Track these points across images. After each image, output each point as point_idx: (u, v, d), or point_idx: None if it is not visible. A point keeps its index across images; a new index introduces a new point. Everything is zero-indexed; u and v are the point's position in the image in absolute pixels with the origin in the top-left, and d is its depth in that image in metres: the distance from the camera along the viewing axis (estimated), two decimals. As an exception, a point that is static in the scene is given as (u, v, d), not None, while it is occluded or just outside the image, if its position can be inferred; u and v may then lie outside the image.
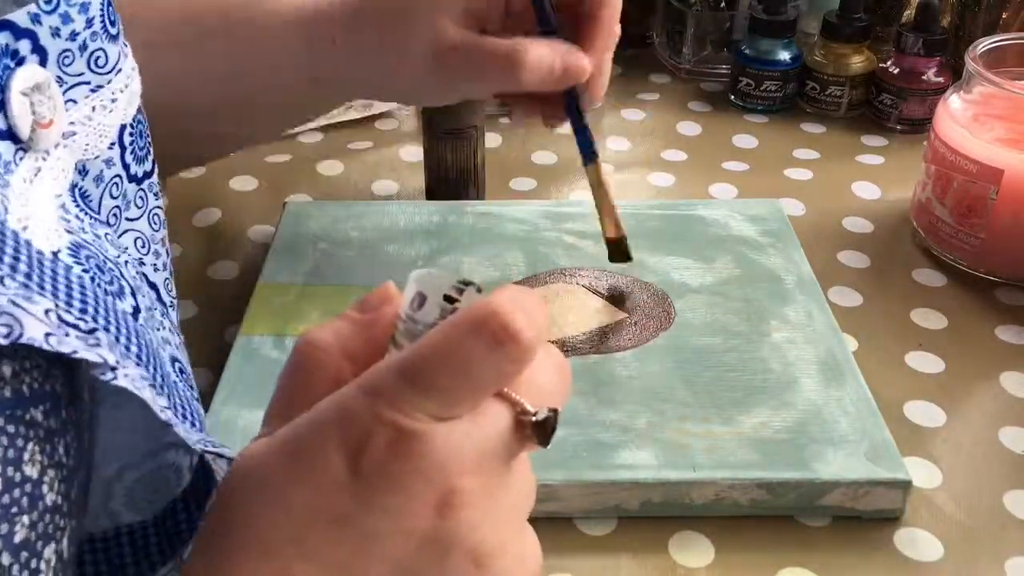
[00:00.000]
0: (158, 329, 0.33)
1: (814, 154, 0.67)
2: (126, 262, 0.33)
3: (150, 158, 0.37)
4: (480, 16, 0.43)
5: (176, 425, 0.26)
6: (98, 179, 0.33)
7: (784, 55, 0.71)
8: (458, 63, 0.42)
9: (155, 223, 0.37)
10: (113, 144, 0.34)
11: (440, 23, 0.42)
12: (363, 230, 0.53)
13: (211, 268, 0.54)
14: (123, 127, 0.34)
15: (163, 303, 0.36)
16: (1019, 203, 0.51)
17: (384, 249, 0.52)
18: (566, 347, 0.45)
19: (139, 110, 0.36)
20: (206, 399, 0.42)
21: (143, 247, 0.36)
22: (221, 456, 0.28)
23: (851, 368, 0.44)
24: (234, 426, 0.40)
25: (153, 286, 0.37)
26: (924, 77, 0.68)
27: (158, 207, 0.38)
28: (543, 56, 0.41)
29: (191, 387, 0.33)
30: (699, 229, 0.54)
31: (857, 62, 0.70)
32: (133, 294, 0.30)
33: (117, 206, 0.35)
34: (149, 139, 0.37)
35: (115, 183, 0.34)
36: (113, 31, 0.31)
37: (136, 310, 0.30)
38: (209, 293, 0.52)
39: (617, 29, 0.44)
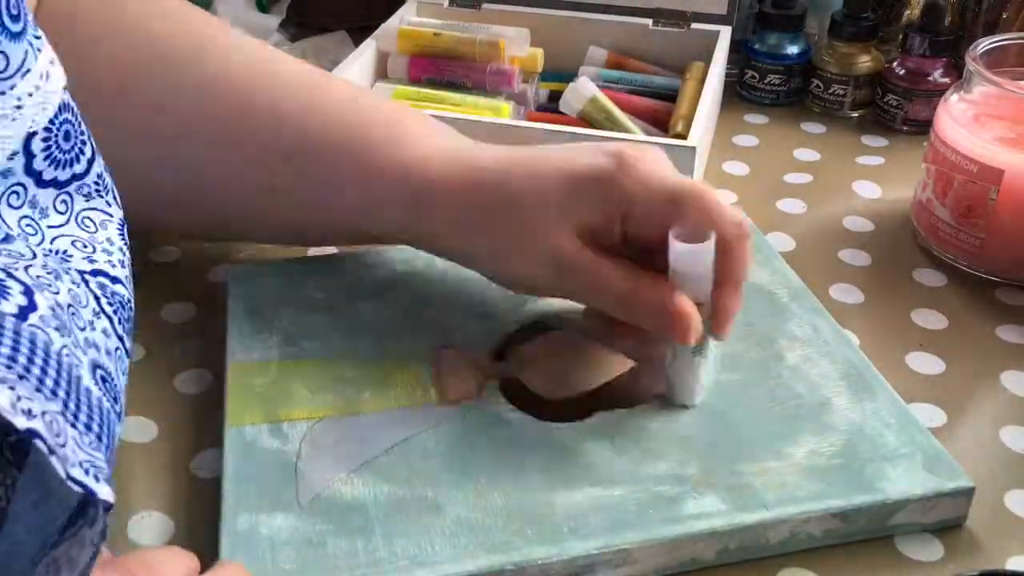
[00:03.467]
0: (82, 328, 0.30)
1: (815, 155, 0.67)
2: (31, 265, 0.30)
3: (84, 158, 0.33)
4: (598, 233, 0.40)
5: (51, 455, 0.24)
6: None
7: (792, 49, 0.71)
8: (569, 280, 0.41)
9: (87, 226, 0.34)
10: (14, 154, 0.30)
11: (555, 238, 0.40)
12: (326, 290, 0.48)
13: (211, 272, 0.54)
14: (31, 135, 0.30)
15: (131, 298, 0.35)
16: (1019, 203, 0.51)
17: (358, 309, 0.47)
18: (585, 403, 0.42)
19: (66, 107, 0.32)
20: (211, 495, 0.39)
21: (86, 248, 0.34)
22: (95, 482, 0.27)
23: (875, 377, 0.43)
24: (258, 536, 0.36)
25: (118, 280, 0.34)
26: (930, 78, 0.67)
27: (90, 209, 0.34)
28: (657, 306, 0.39)
29: (116, 398, 0.31)
30: None
31: (863, 62, 0.70)
32: (26, 293, 0.28)
33: (27, 216, 0.31)
34: (84, 136, 0.33)
35: (14, 192, 0.31)
36: (16, 27, 0.27)
37: (25, 309, 0.27)
38: (208, 295, 0.52)
39: (746, 271, 0.40)
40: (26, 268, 0.28)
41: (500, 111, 0.62)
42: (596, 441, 0.40)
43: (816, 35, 0.75)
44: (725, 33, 0.69)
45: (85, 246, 0.34)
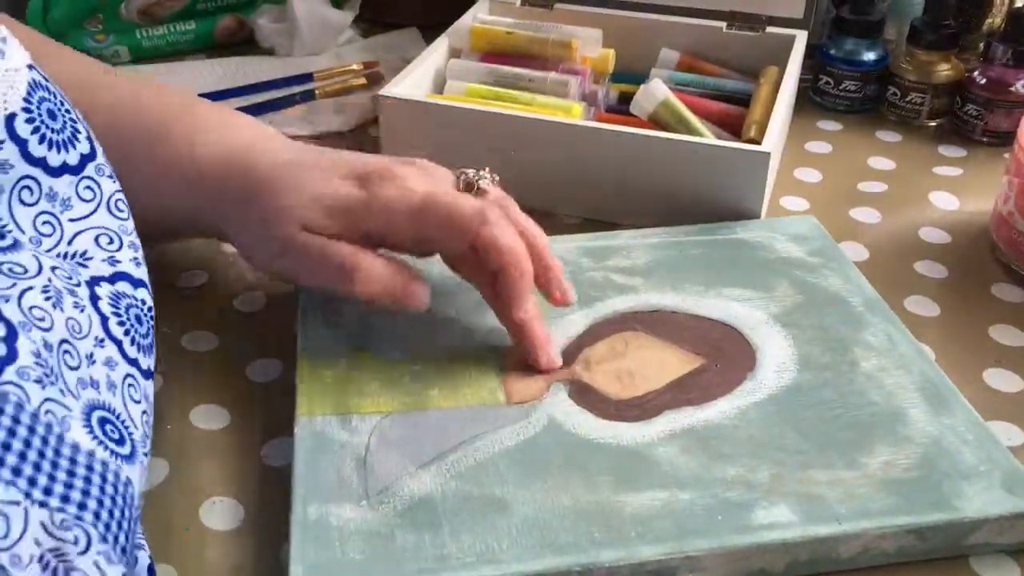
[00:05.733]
0: (75, 367, 0.28)
1: (890, 163, 0.65)
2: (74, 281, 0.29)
3: (82, 136, 0.32)
4: (334, 233, 0.43)
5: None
6: None
7: (869, 55, 0.70)
8: (294, 260, 0.43)
9: (120, 210, 0.33)
10: (1, 143, 0.29)
11: (285, 222, 0.42)
12: None
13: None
14: (11, 116, 0.29)
15: (152, 301, 0.33)
16: (1108, 219, 0.50)
17: (429, 305, 0.46)
18: (653, 403, 0.42)
19: (38, 85, 0.30)
20: (281, 483, 0.42)
21: (111, 243, 0.32)
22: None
23: (952, 392, 0.42)
24: (327, 525, 0.36)
25: (141, 283, 0.33)
26: (1012, 88, 0.66)
27: (119, 191, 0.33)
28: (384, 269, 0.42)
29: (121, 439, 0.29)
30: (746, 254, 0.52)
31: (943, 70, 0.68)
32: (8, 338, 0.26)
33: (45, 211, 0.30)
34: (71, 114, 0.32)
35: (26, 187, 0.30)
36: None
37: (2, 361, 0.25)
38: (280, 286, 0.53)
39: (527, 280, 0.43)
40: (21, 295, 0.27)
41: (571, 111, 0.61)
42: (664, 443, 0.40)
43: (894, 42, 0.73)
44: (801, 37, 0.68)
45: (111, 241, 0.32)
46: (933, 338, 0.49)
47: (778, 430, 0.41)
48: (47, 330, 0.27)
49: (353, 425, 0.41)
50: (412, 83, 0.63)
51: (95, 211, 0.32)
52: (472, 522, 0.37)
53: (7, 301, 0.27)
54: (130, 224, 0.34)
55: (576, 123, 0.58)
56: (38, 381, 0.26)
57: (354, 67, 0.76)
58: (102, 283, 0.32)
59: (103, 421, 0.28)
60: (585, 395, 0.43)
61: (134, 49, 0.78)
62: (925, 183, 0.63)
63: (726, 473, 0.39)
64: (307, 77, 0.74)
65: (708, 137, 0.59)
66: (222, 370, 0.47)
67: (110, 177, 0.33)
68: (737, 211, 0.56)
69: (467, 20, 0.70)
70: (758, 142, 0.56)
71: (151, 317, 0.34)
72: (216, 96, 0.71)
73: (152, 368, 0.33)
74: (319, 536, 0.36)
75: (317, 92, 0.72)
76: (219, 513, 0.39)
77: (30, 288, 0.28)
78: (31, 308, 0.27)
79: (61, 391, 0.27)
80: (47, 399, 0.26)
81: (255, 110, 0.69)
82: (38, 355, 0.26)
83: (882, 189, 0.62)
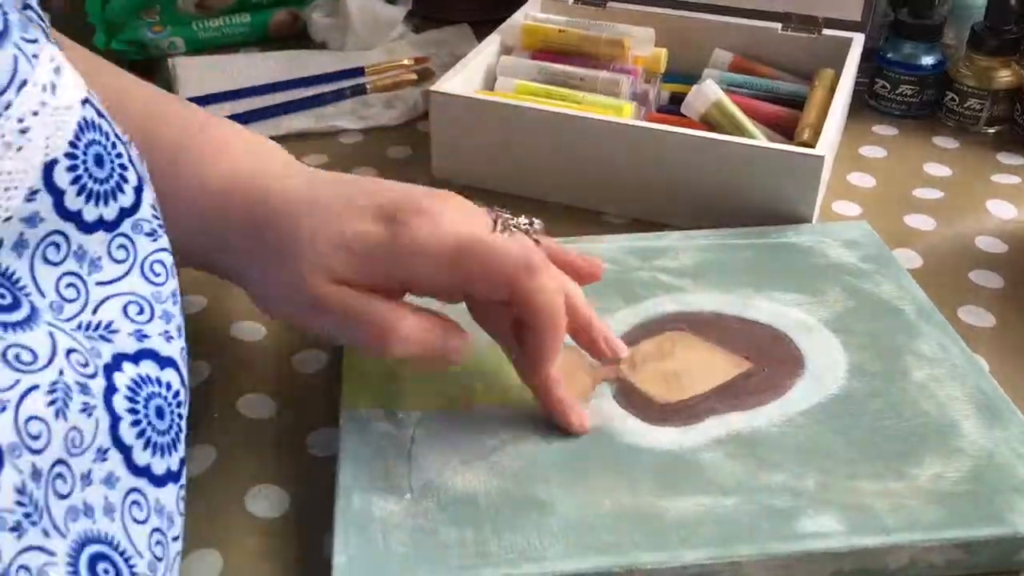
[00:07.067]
0: (65, 495, 0.25)
1: (946, 170, 0.64)
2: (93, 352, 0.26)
3: (128, 186, 0.28)
4: (366, 285, 0.38)
5: None
6: (18, 246, 0.25)
7: (926, 60, 0.69)
8: (325, 316, 0.38)
9: (156, 274, 0.29)
10: (35, 193, 0.25)
11: (314, 278, 0.37)
12: None
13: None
14: (52, 163, 0.25)
15: (182, 384, 0.30)
16: None
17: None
18: (698, 407, 0.42)
19: (90, 125, 0.27)
20: (326, 472, 0.41)
21: (141, 313, 0.29)
22: None
23: (1007, 404, 0.41)
24: (371, 516, 0.36)
25: (169, 362, 0.29)
26: (1073, 95, 0.64)
27: (160, 251, 0.29)
28: (421, 330, 0.38)
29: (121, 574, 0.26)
30: (797, 259, 0.51)
31: (1003, 76, 0.67)
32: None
33: (71, 272, 0.27)
34: (122, 159, 0.28)
35: (53, 244, 0.26)
36: None
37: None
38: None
39: (557, 346, 0.39)
40: (21, 400, 0.23)
41: (622, 111, 0.61)
42: (709, 449, 0.40)
43: (954, 46, 0.72)
44: (858, 40, 0.67)
45: (141, 311, 0.29)
46: (987, 349, 0.48)
47: (826, 438, 0.40)
48: (39, 452, 0.24)
49: (399, 418, 0.41)
50: (463, 79, 0.63)
51: (127, 274, 0.29)
52: (514, 520, 0.37)
53: (4, 411, 0.23)
54: (166, 290, 0.30)
55: (627, 123, 0.57)
56: (14, 528, 0.23)
57: (405, 62, 0.76)
58: (125, 363, 0.28)
59: (96, 559, 0.25)
60: (630, 397, 0.43)
61: (190, 41, 0.79)
62: (982, 191, 0.62)
63: (772, 480, 0.38)
64: (358, 71, 0.74)
65: (760, 139, 0.58)
66: (269, 360, 0.47)
67: (149, 235, 0.30)
68: (788, 215, 0.55)
69: (519, 17, 0.70)
70: (812, 145, 0.55)
71: (178, 403, 0.30)
72: (268, 88, 0.72)
73: (174, 468, 0.29)
74: (362, 527, 0.36)
75: (368, 86, 0.72)
76: (264, 501, 0.40)
77: (35, 387, 0.24)
78: (28, 421, 0.23)
79: (44, 531, 0.23)
80: (24, 549, 0.23)
81: (306, 103, 0.70)
82: (22, 490, 0.23)
83: (938, 196, 0.61)
